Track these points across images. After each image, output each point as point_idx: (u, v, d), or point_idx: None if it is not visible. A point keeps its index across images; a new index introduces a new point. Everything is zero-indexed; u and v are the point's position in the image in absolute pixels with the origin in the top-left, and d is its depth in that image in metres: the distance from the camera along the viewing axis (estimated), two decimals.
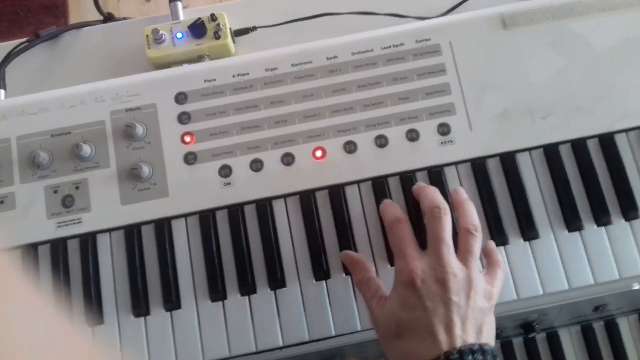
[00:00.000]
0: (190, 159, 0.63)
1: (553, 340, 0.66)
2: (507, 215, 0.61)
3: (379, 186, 0.62)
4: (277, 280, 0.59)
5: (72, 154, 0.63)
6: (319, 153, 0.63)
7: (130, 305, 0.60)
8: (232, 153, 0.63)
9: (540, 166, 0.62)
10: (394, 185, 0.62)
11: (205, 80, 0.65)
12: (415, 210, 0.60)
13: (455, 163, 0.62)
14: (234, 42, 0.77)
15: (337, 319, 0.59)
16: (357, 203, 0.62)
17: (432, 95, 0.64)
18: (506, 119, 0.63)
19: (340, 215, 0.61)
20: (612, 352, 0.66)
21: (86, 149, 0.62)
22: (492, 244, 0.58)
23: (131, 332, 0.59)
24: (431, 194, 0.57)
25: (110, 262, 0.61)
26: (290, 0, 0.81)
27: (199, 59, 0.75)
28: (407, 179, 0.62)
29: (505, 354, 0.66)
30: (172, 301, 0.59)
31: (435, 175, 0.62)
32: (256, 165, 0.63)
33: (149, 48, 0.75)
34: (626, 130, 0.63)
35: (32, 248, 0.61)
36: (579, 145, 0.62)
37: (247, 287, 0.59)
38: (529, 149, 0.62)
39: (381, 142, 0.63)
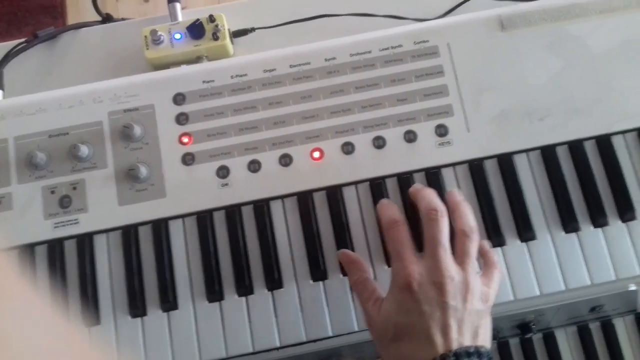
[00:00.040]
0: (188, 159, 0.63)
1: (550, 341, 0.67)
2: (504, 216, 0.61)
3: (377, 187, 0.62)
4: (274, 281, 0.60)
5: (70, 154, 0.63)
6: (316, 154, 0.63)
7: (127, 305, 0.60)
8: (230, 154, 0.63)
9: (538, 167, 0.62)
10: (392, 186, 0.62)
11: (203, 81, 0.65)
12: (412, 211, 0.60)
13: (453, 164, 0.62)
14: (232, 43, 0.77)
15: (334, 319, 0.59)
16: (354, 204, 0.62)
17: (430, 97, 0.64)
18: (504, 120, 0.63)
19: (337, 216, 0.61)
20: (608, 353, 0.66)
21: (84, 150, 0.62)
22: (488, 245, 0.58)
23: (128, 332, 0.59)
24: (428, 196, 0.57)
25: (108, 262, 0.61)
26: (288, 2, 0.81)
27: (197, 60, 0.75)
28: (404, 180, 0.62)
29: (502, 355, 0.66)
30: (169, 302, 0.59)
31: (433, 176, 0.62)
32: (254, 166, 0.63)
33: (147, 49, 0.75)
34: (623, 132, 0.63)
35: (29, 248, 0.61)
36: (576, 147, 0.62)
37: (245, 288, 0.59)
38: (527, 151, 0.63)
39: (379, 143, 0.63)
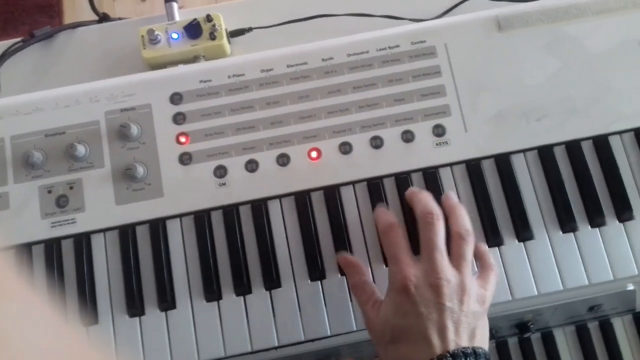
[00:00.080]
0: (185, 159, 0.63)
1: (548, 340, 0.67)
2: (501, 216, 0.61)
3: (374, 187, 0.62)
4: (272, 281, 0.59)
5: (67, 154, 0.62)
6: (314, 154, 0.63)
7: (125, 305, 0.59)
8: (228, 153, 0.63)
9: (535, 168, 0.62)
10: (389, 186, 0.62)
11: (200, 81, 0.65)
12: (409, 212, 0.60)
13: (450, 164, 0.62)
14: (229, 42, 0.77)
15: (332, 319, 0.59)
16: (352, 204, 0.62)
17: (428, 97, 0.64)
18: (501, 120, 0.63)
19: (335, 216, 0.61)
20: (606, 352, 0.66)
21: (80, 149, 0.62)
22: (484, 246, 0.59)
23: (126, 332, 0.59)
24: (424, 200, 0.57)
25: (105, 262, 0.61)
26: (286, 2, 0.81)
27: (194, 59, 0.74)
28: (402, 179, 0.62)
29: (500, 354, 0.67)
30: (167, 301, 0.59)
31: (430, 176, 0.62)
32: (251, 166, 0.63)
33: (144, 48, 0.74)
34: (620, 133, 0.63)
35: (26, 248, 0.61)
36: (573, 147, 0.63)
37: (242, 287, 0.59)
38: (524, 151, 0.63)
39: (376, 143, 0.63)
